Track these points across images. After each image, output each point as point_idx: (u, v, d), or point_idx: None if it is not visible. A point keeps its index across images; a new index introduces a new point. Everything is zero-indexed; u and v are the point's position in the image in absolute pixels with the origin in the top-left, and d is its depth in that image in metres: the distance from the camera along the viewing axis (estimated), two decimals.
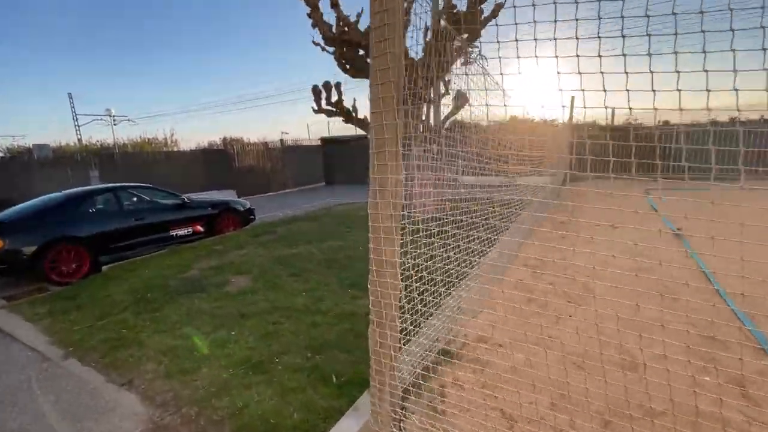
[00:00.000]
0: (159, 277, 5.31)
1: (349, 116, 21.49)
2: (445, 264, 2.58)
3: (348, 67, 8.28)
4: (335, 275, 4.96)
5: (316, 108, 21.68)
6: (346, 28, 7.47)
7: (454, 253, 2.75)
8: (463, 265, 2.92)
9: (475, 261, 3.42)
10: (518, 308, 3.28)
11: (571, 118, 12.80)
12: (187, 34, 67.69)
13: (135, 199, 7.15)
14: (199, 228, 7.53)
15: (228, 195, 18.36)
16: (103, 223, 6.16)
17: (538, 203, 6.39)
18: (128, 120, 32.71)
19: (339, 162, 20.52)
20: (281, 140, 18.72)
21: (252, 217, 8.82)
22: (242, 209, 8.46)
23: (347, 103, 21.48)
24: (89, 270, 5.81)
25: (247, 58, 73.26)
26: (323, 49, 8.16)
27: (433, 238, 2.36)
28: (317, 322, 3.67)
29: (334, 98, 21.12)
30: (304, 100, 61.33)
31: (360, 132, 22.85)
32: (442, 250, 2.52)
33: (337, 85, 21.28)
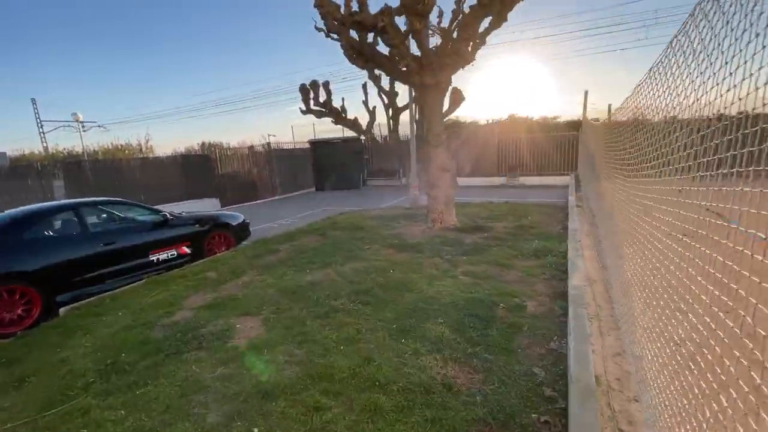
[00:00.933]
0: (137, 324, 3.96)
1: (339, 117, 20.22)
2: None
3: (356, 56, 7.07)
4: (376, 316, 3.75)
5: (304, 108, 20.32)
6: (358, 9, 6.28)
7: None
8: None
9: None
10: None
11: (584, 111, 12.05)
12: (160, 36, 64.51)
13: (103, 217, 5.73)
14: (185, 250, 6.15)
15: (210, 205, 16.81)
16: (60, 251, 4.74)
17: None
18: (99, 126, 30.43)
19: (329, 166, 19.20)
20: (268, 143, 17.28)
21: (247, 233, 7.48)
22: (235, 224, 7.12)
23: (336, 104, 20.22)
24: (40, 316, 4.39)
25: (225, 59, 70.51)
26: (327, 35, 6.92)
27: None
28: (380, 405, 2.46)
29: (323, 98, 19.81)
30: (285, 102, 59.30)
31: (349, 133, 21.62)
32: None
33: (326, 84, 19.97)
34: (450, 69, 6.56)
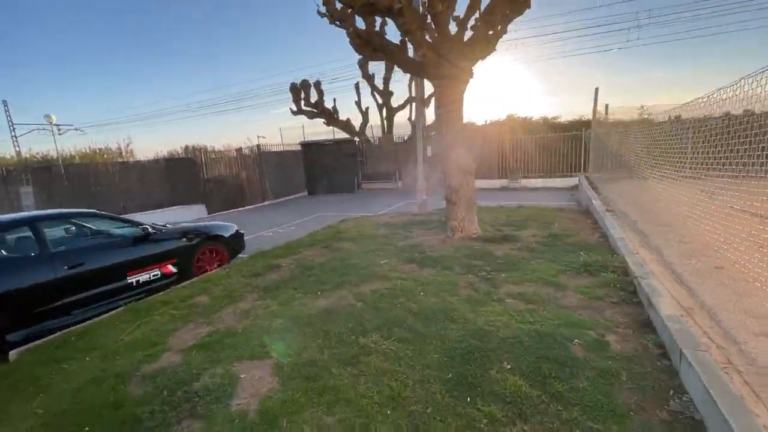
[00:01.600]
0: (108, 375, 3.04)
1: (331, 118, 19.34)
2: None
3: (363, 45, 6.25)
4: (420, 360, 2.93)
5: (295, 109, 19.37)
6: None
7: None
8: None
9: None
10: None
11: (594, 110, 11.50)
12: (140, 34, 61.94)
13: (70, 232, 4.76)
14: (171, 268, 5.22)
15: (196, 212, 15.70)
16: (9, 277, 3.77)
17: None
18: (75, 129, 28.77)
19: (322, 169, 18.29)
20: (258, 145, 16.28)
21: (241, 245, 6.57)
22: (228, 236, 6.20)
23: (328, 104, 19.34)
24: None
25: (209, 59, 68.11)
26: (331, 21, 6.09)
27: None
28: None
29: (314, 98, 18.91)
30: (272, 104, 57.96)
31: (342, 135, 20.73)
32: None
33: (317, 84, 19.08)
34: (472, 58, 5.81)
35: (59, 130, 27.92)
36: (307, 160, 18.36)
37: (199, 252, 5.67)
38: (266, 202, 16.13)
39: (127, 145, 30.77)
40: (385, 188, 17.67)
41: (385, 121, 19.50)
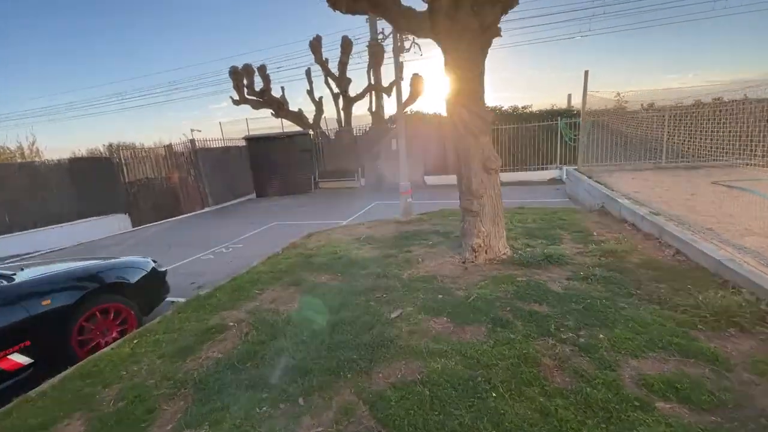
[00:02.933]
0: None
1: (280, 108, 16.75)
2: None
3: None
4: None
5: (236, 98, 16.49)
6: None
7: None
8: None
9: None
10: None
11: (585, 95, 10.33)
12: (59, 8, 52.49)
13: None
14: (16, 360, 2.87)
15: (116, 223, 12.57)
16: None
17: None
18: None
19: (272, 167, 15.74)
20: (191, 140, 13.41)
21: (162, 291, 4.28)
22: (137, 281, 3.89)
23: (275, 93, 16.73)
24: None
25: (131, 42, 59.62)
26: None
27: None
28: None
29: (259, 86, 16.20)
30: (208, 97, 52.73)
31: (291, 129, 18.15)
32: None
33: (262, 69, 16.30)
34: (500, 6, 4.00)
35: None
36: (253, 158, 15.70)
37: (84, 315, 3.35)
38: (206, 209, 13.36)
39: (32, 143, 25.59)
40: (345, 187, 15.58)
41: (342, 113, 17.31)
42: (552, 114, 13.83)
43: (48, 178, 11.66)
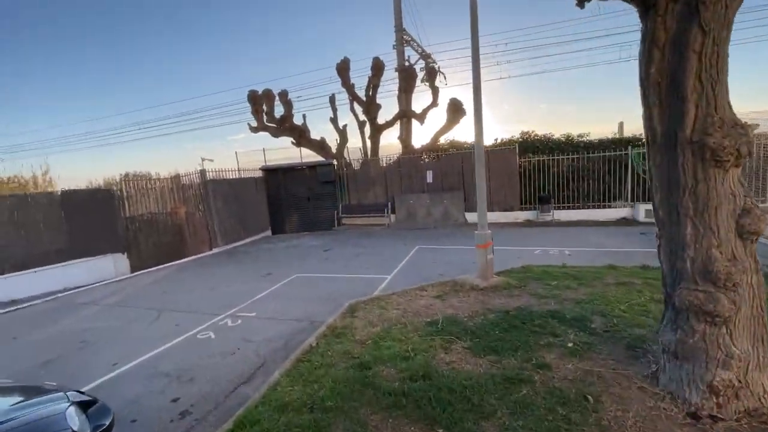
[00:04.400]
0: None
1: (302, 136, 15.04)
2: None
3: None
4: None
5: (255, 124, 14.85)
6: None
7: None
8: None
9: None
10: None
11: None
12: (81, 40, 53.33)
13: None
14: None
15: (112, 264, 10.62)
16: None
17: None
18: None
19: (291, 201, 13.85)
20: (202, 171, 11.62)
21: None
22: None
23: (296, 121, 15.06)
24: None
25: (157, 71, 59.93)
26: None
27: None
28: None
29: (279, 113, 14.57)
30: (227, 128, 52.23)
31: (317, 158, 16.41)
32: None
33: (283, 95, 14.68)
34: None
35: None
36: (271, 190, 13.85)
37: None
38: (215, 250, 11.34)
39: (45, 173, 24.49)
40: (373, 224, 13.51)
41: (368, 141, 15.53)
42: (616, 143, 11.76)
43: (39, 213, 9.86)
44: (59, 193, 10.79)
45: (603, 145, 11.86)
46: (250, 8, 53.12)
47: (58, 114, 52.29)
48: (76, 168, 46.30)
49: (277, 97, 14.51)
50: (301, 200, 13.83)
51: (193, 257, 10.70)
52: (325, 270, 7.65)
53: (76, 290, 8.08)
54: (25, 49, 44.45)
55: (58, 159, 45.58)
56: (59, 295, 7.79)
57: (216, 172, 11.97)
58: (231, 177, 12.61)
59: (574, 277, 5.19)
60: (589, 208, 11.53)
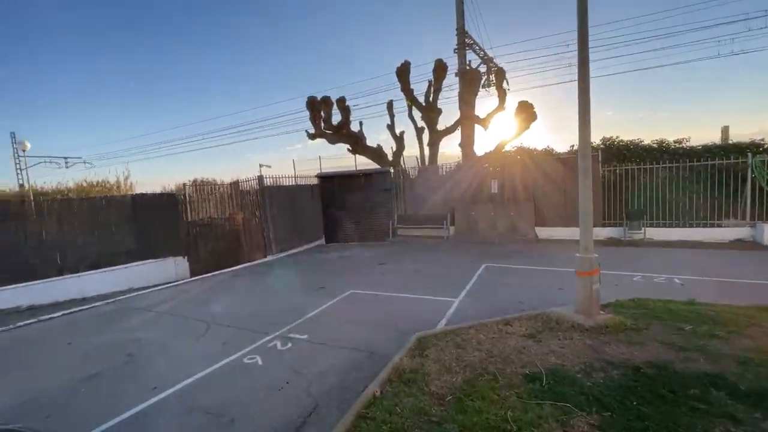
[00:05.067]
0: None
1: (358, 143, 14.60)
2: None
3: None
4: None
5: (312, 131, 14.65)
6: None
7: None
8: None
9: None
10: None
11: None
12: (160, 58, 58.78)
13: None
14: None
15: (173, 267, 10.80)
16: None
17: None
18: (83, 162, 25.09)
19: (346, 209, 13.40)
20: (259, 176, 11.53)
21: None
22: None
23: (353, 128, 14.66)
24: None
25: (234, 81, 63.82)
26: None
27: None
28: None
29: (336, 119, 14.32)
30: (283, 136, 54.37)
31: (373, 165, 15.98)
32: None
33: (341, 101, 14.30)
34: None
35: (66, 162, 24.53)
36: (325, 198, 13.53)
37: None
38: (269, 257, 11.12)
39: (126, 178, 26.77)
40: (429, 236, 12.59)
41: (427, 148, 14.73)
42: (726, 150, 9.81)
43: (108, 216, 10.29)
44: (130, 197, 11.25)
45: (710, 151, 9.96)
46: (308, 17, 55.31)
47: (137, 125, 57.86)
48: (153, 174, 50.67)
49: (334, 104, 14.25)
50: (355, 209, 13.33)
51: (248, 264, 10.52)
52: (383, 286, 6.88)
53: (137, 293, 8.10)
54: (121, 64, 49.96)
55: (140, 166, 50.28)
56: (120, 297, 7.80)
57: (273, 178, 11.83)
58: (287, 183, 12.44)
59: (714, 321, 3.90)
60: (690, 226, 9.67)
